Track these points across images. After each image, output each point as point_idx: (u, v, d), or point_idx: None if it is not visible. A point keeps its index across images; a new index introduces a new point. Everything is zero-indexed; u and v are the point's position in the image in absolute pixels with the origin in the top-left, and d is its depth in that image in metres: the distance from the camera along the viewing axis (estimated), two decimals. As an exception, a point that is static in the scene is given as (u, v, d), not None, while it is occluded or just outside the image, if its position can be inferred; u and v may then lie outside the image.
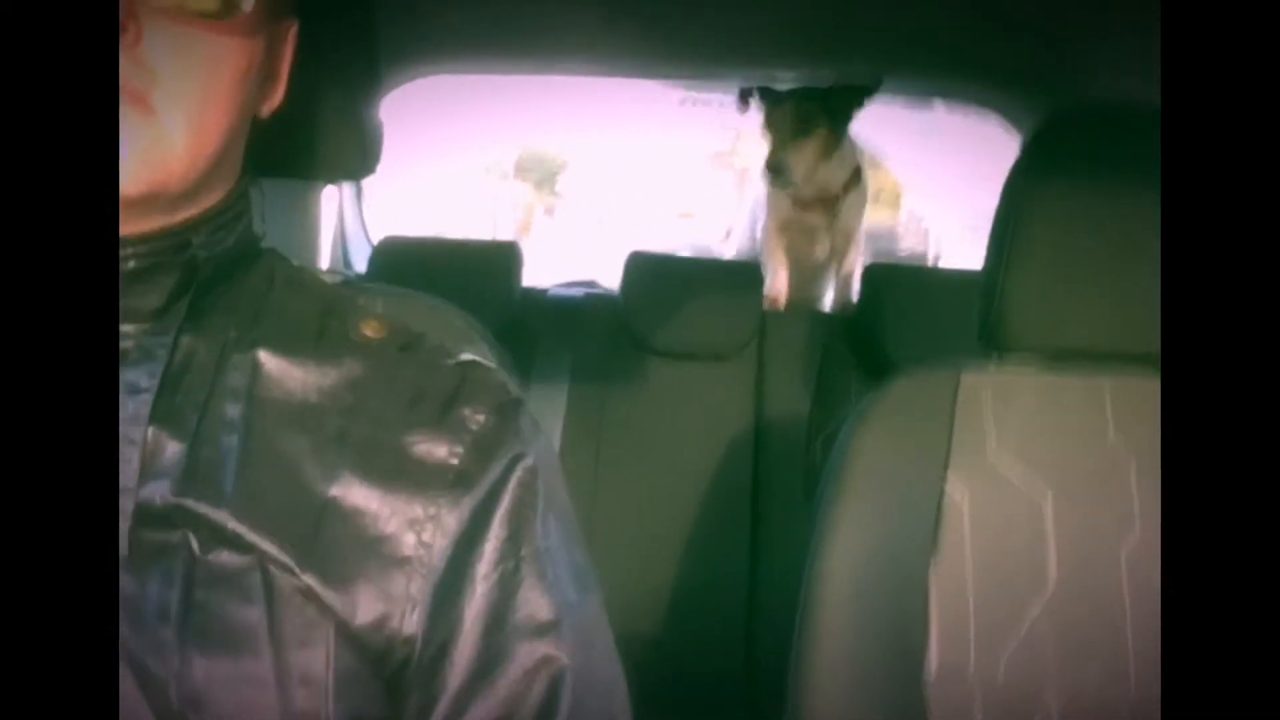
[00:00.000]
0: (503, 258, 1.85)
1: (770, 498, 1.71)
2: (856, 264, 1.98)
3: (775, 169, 1.90)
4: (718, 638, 1.64)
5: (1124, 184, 0.85)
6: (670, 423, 1.75)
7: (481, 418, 0.57)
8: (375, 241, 1.90)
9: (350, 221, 2.09)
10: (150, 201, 0.53)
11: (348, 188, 2.01)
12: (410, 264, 1.80)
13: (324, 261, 1.89)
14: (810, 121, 1.88)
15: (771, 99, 1.94)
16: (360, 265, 2.03)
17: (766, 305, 1.88)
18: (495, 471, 0.56)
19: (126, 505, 0.50)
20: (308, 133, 0.64)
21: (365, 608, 0.52)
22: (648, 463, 1.71)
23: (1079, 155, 0.88)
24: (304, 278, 0.63)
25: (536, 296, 1.88)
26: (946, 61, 1.69)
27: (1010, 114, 1.82)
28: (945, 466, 0.87)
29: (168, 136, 0.52)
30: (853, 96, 1.88)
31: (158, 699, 0.48)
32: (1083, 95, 1.47)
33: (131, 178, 0.51)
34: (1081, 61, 1.47)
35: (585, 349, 1.80)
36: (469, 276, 1.76)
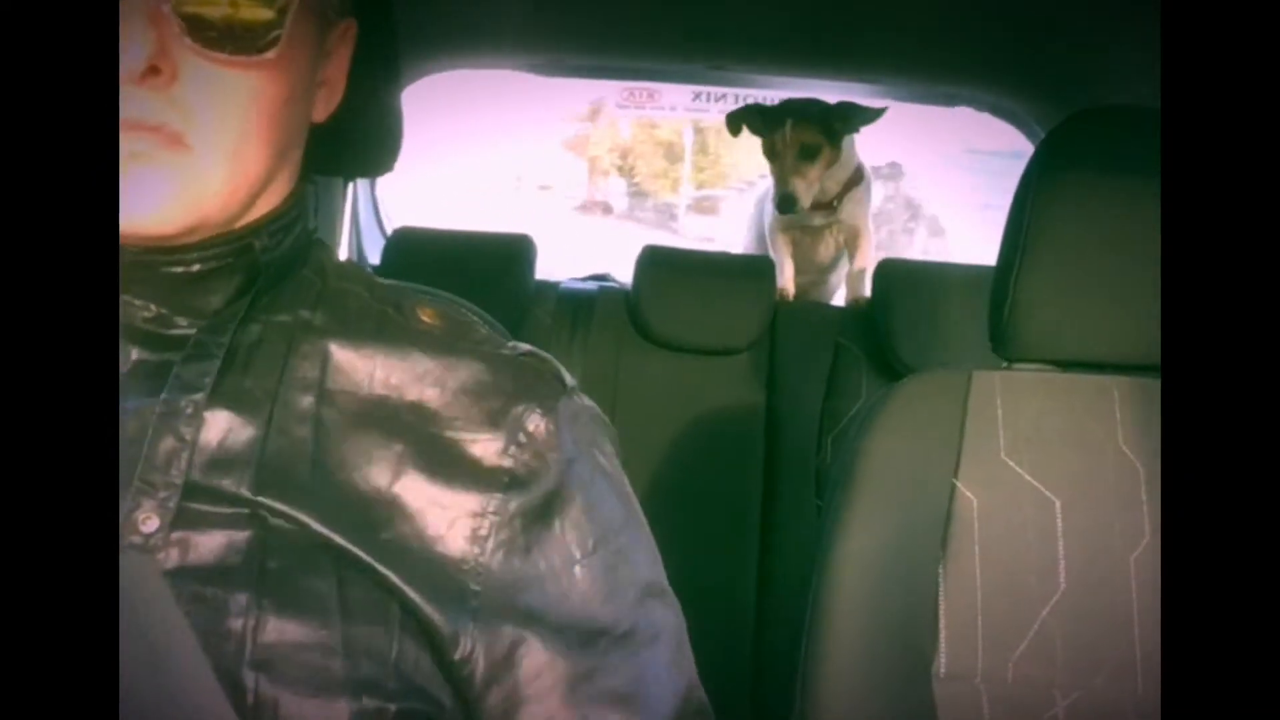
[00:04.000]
0: (516, 249, 1.85)
1: (781, 493, 1.71)
2: (869, 259, 1.97)
3: (786, 201, 1.90)
4: (726, 634, 1.64)
5: (1139, 189, 0.84)
6: (682, 417, 1.75)
7: (538, 418, 0.57)
8: (389, 232, 1.90)
9: (364, 213, 2.10)
10: (190, 235, 0.54)
11: (362, 180, 2.02)
12: (424, 255, 1.81)
13: (340, 253, 1.90)
14: (812, 144, 1.87)
15: (766, 123, 1.92)
16: (374, 257, 2.04)
17: (776, 297, 1.88)
18: (550, 474, 0.56)
19: (170, 500, 0.51)
20: (329, 130, 0.64)
21: (430, 601, 0.53)
22: (658, 456, 1.72)
23: (1092, 160, 0.88)
24: (351, 270, 0.64)
25: (549, 288, 1.88)
26: (959, 65, 1.69)
27: (1021, 118, 1.82)
28: (956, 467, 0.87)
29: (206, 172, 0.52)
30: (855, 118, 1.88)
31: (228, 659, 0.49)
32: (1096, 99, 1.47)
33: (172, 215, 0.52)
34: (1094, 66, 1.46)
35: (597, 342, 1.81)
36: (482, 268, 1.77)
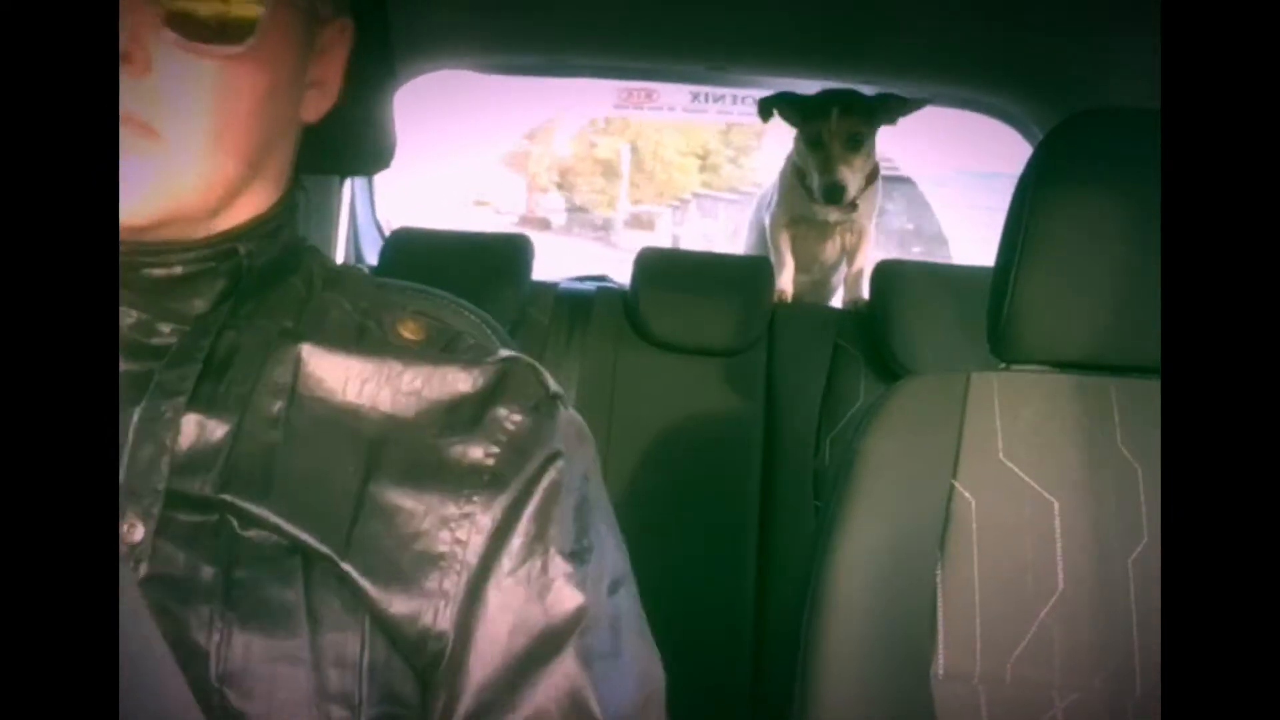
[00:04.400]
0: (514, 250, 1.85)
1: (779, 495, 1.71)
2: (869, 261, 1.97)
3: (834, 191, 1.84)
4: (725, 634, 1.64)
5: (1137, 191, 0.84)
6: (679, 418, 1.75)
7: (519, 418, 0.57)
8: (388, 233, 1.90)
9: (361, 212, 2.10)
10: (165, 228, 0.53)
11: (359, 179, 2.01)
12: (423, 255, 1.80)
13: (338, 253, 1.89)
14: (858, 134, 1.84)
15: (806, 111, 1.87)
16: (371, 256, 2.04)
17: (775, 298, 1.87)
18: (529, 470, 0.56)
19: (153, 508, 0.51)
20: (324, 127, 0.64)
21: (400, 601, 0.52)
22: (656, 457, 1.72)
23: (1091, 161, 0.88)
24: (342, 277, 0.63)
25: (547, 289, 1.88)
26: (956, 66, 1.69)
27: (1019, 119, 1.82)
28: (954, 468, 0.87)
29: (179, 165, 0.51)
30: (895, 109, 1.84)
31: (196, 674, 0.48)
32: (1095, 101, 1.47)
33: (143, 206, 0.51)
34: (1092, 67, 1.46)
35: (595, 343, 1.80)
36: (480, 268, 1.77)
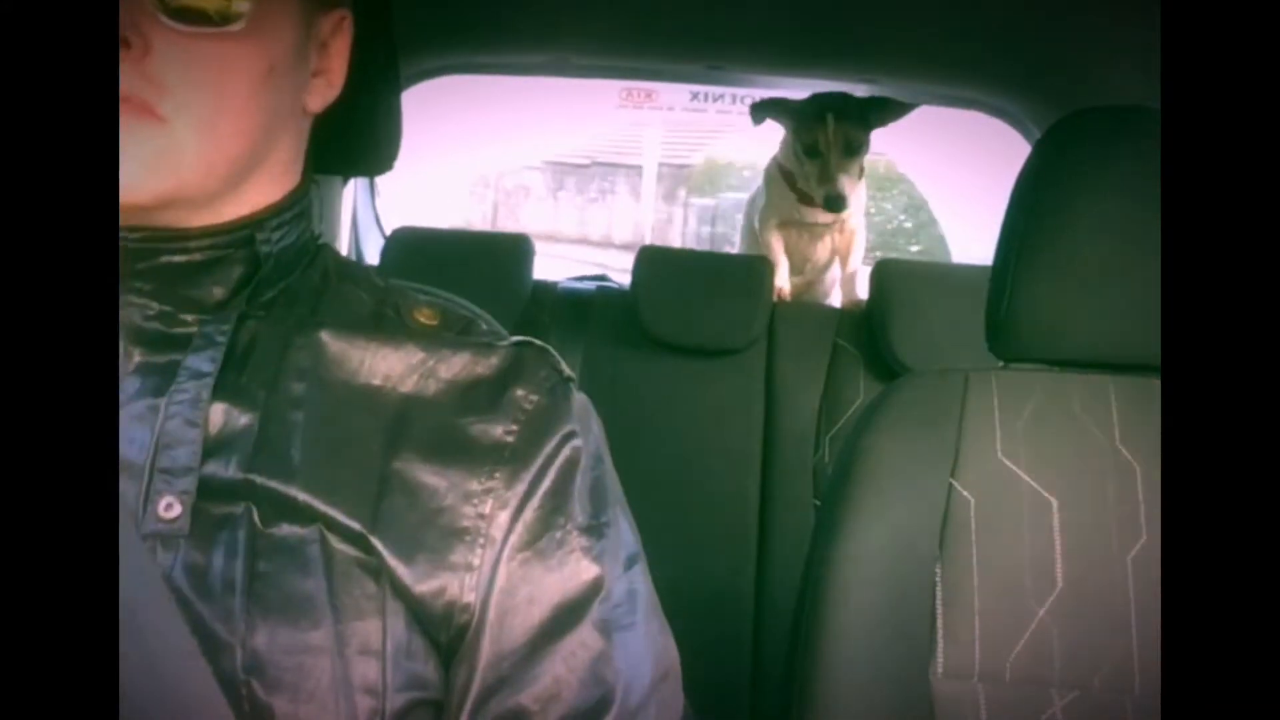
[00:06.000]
0: (514, 249, 1.86)
1: (778, 493, 1.71)
2: (860, 262, 1.97)
3: (836, 201, 1.81)
4: (724, 632, 1.64)
5: (1135, 188, 0.85)
6: (680, 416, 1.75)
7: (536, 397, 0.58)
8: (388, 232, 1.90)
9: (362, 212, 2.10)
10: (170, 207, 0.54)
11: (361, 179, 2.02)
12: (423, 255, 1.81)
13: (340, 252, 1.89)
14: (855, 140, 1.82)
15: (800, 118, 1.84)
16: (372, 256, 2.04)
17: (774, 297, 1.87)
18: (548, 447, 0.57)
19: (189, 485, 0.52)
20: (327, 127, 0.64)
21: (426, 576, 0.53)
22: (657, 456, 1.72)
23: (1089, 159, 0.88)
24: (356, 271, 0.65)
25: (548, 289, 1.88)
26: (956, 65, 1.69)
27: (1018, 119, 1.82)
28: (953, 466, 0.87)
29: (179, 142, 0.53)
30: (888, 112, 1.83)
31: (222, 666, 0.49)
32: (1094, 100, 1.47)
33: (147, 184, 0.52)
34: (1091, 66, 1.46)
35: (596, 342, 1.81)
36: (481, 268, 1.77)
